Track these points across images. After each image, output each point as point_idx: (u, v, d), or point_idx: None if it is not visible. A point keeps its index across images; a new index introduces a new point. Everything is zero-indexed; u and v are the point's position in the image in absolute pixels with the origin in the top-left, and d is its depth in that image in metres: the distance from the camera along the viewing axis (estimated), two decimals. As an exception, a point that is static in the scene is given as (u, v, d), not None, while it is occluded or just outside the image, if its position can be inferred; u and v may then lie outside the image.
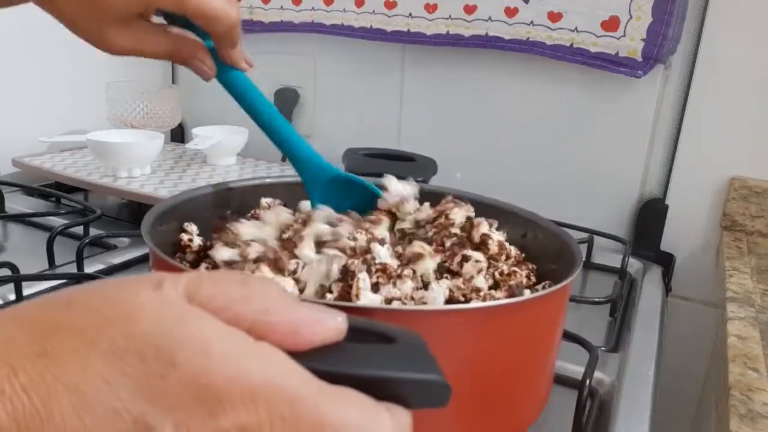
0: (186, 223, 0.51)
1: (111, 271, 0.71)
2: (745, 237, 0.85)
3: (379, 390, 0.21)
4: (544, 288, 0.46)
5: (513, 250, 0.49)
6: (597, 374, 0.56)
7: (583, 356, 0.53)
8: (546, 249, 0.53)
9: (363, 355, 0.22)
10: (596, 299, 0.69)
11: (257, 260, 0.42)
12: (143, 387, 0.18)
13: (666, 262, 0.90)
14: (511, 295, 0.43)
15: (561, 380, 0.55)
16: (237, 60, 0.46)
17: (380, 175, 0.53)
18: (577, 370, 0.53)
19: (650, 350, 0.63)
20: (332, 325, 0.22)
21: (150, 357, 0.18)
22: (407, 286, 0.42)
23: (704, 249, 0.91)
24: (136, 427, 0.18)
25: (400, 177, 0.53)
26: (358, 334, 0.22)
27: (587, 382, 0.50)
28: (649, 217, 0.92)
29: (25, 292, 0.62)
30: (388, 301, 0.41)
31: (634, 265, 0.86)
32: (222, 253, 0.43)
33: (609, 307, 0.72)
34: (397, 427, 0.21)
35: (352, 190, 0.50)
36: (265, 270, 0.41)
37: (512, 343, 0.39)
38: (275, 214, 0.50)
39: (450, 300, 0.43)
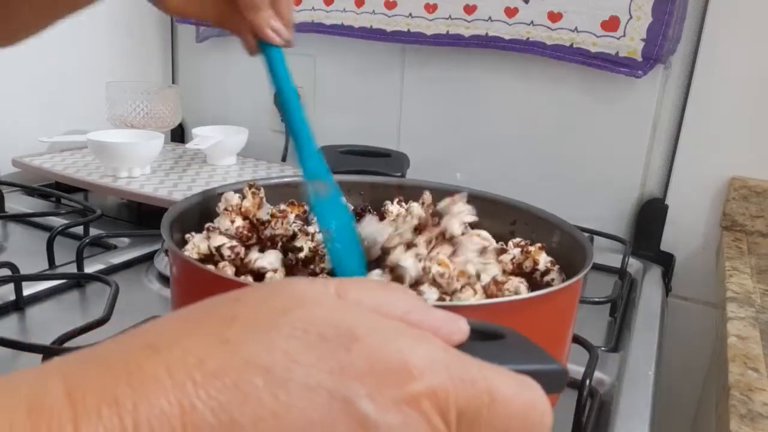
0: (187, 234, 0.49)
1: (111, 271, 0.71)
2: (745, 237, 0.85)
3: None
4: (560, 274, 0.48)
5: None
6: (597, 374, 0.56)
7: (583, 356, 0.53)
8: (540, 237, 0.53)
9: (492, 352, 0.23)
10: (596, 299, 0.69)
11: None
12: (330, 362, 0.18)
13: (666, 262, 0.90)
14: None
15: (561, 380, 0.55)
16: (260, 27, 0.43)
17: (357, 173, 0.52)
18: (577, 370, 0.53)
19: (650, 350, 0.63)
20: (463, 327, 0.23)
21: (330, 335, 0.19)
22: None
23: (704, 249, 0.91)
24: (333, 401, 0.18)
25: (377, 173, 0.53)
26: (471, 333, 0.24)
27: (587, 382, 0.50)
28: (649, 217, 0.92)
29: (25, 292, 0.62)
30: None
31: (634, 265, 0.86)
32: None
33: (609, 307, 0.72)
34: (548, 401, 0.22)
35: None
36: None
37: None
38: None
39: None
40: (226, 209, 0.49)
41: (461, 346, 0.23)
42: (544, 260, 0.49)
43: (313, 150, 0.45)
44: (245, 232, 0.48)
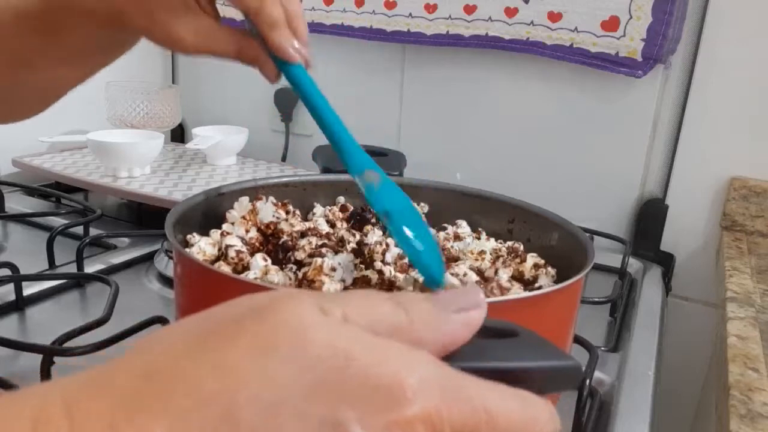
0: (189, 236, 0.50)
1: (111, 271, 0.71)
2: (745, 237, 0.85)
3: (520, 380, 0.22)
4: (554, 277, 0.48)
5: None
6: (597, 374, 0.56)
7: (583, 356, 0.53)
8: (539, 235, 0.53)
9: (506, 349, 0.23)
10: (596, 299, 0.68)
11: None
12: (323, 383, 0.19)
13: (666, 262, 0.90)
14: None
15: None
16: (280, 47, 0.43)
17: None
18: (577, 370, 0.53)
19: (650, 350, 0.63)
20: (458, 338, 0.23)
21: (327, 356, 0.19)
22: None
23: (704, 249, 0.91)
24: (323, 427, 0.18)
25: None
26: (486, 331, 0.24)
27: (587, 382, 0.50)
28: (649, 217, 0.92)
29: (25, 292, 0.62)
30: None
31: (634, 265, 0.86)
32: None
33: (609, 307, 0.72)
34: (551, 409, 0.22)
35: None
36: None
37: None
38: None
39: None
40: (243, 217, 0.51)
41: (476, 345, 0.23)
42: (528, 270, 0.49)
43: (354, 145, 0.46)
44: (256, 243, 0.49)
